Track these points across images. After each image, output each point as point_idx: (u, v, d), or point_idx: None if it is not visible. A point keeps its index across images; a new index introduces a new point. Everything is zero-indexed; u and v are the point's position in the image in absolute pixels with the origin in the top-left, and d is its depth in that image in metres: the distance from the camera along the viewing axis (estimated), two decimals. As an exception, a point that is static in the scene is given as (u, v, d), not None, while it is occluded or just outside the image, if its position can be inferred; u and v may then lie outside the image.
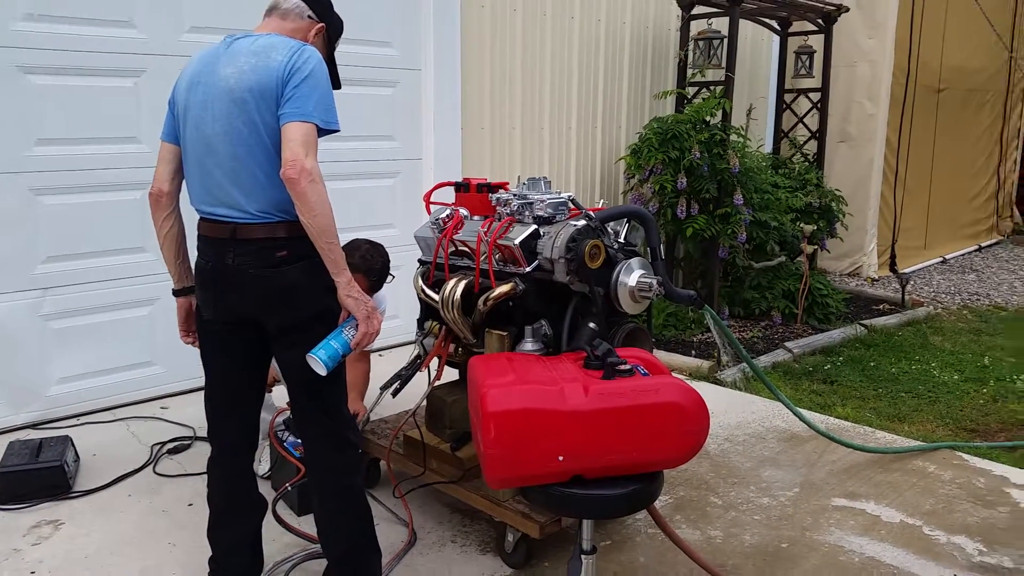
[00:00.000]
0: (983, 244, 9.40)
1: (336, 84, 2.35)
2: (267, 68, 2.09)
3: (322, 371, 2.12)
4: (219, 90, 2.14)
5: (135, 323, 4.01)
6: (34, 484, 3.07)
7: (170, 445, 3.57)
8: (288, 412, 2.92)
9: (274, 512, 2.59)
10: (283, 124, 2.07)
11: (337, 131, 2.16)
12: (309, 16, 2.29)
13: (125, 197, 3.91)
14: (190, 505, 3.07)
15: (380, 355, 3.62)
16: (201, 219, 2.26)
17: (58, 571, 2.65)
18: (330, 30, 2.36)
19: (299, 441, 2.97)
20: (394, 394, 2.99)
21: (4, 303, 3.65)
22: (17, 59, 3.54)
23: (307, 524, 2.88)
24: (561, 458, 2.05)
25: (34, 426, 3.75)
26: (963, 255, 8.92)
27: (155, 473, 3.34)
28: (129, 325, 4.00)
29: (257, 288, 2.17)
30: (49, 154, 3.67)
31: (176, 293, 2.44)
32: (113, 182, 3.86)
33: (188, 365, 4.12)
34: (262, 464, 3.22)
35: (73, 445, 3.35)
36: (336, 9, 2.40)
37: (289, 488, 2.81)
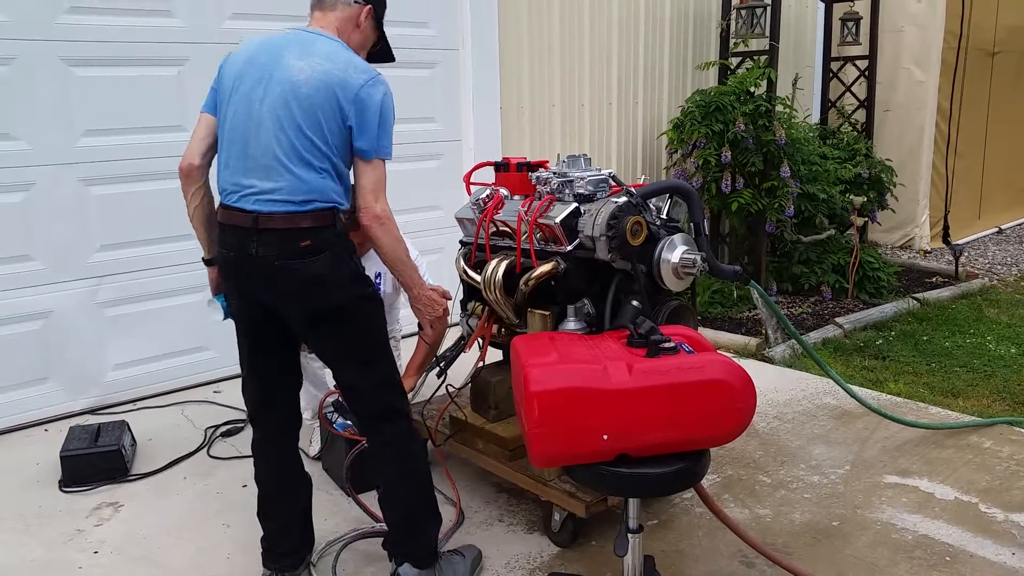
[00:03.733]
0: (1041, 213, 9.10)
1: (391, 57, 2.48)
2: (343, 83, 2.15)
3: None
4: (283, 75, 2.17)
5: (187, 309, 4.10)
6: (94, 468, 3.17)
7: (223, 428, 3.65)
8: (338, 394, 2.96)
9: (346, 486, 2.63)
10: (364, 160, 2.18)
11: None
12: (355, 1, 2.31)
13: (174, 185, 3.92)
14: (244, 487, 3.14)
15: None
16: (222, 207, 2.28)
17: (120, 551, 2.74)
18: (376, 9, 2.38)
19: (348, 423, 3.01)
20: (439, 375, 3.01)
21: (61, 292, 3.75)
22: (62, 52, 3.61)
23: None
24: (606, 437, 2.04)
25: (92, 411, 3.87)
26: (1020, 225, 8.64)
27: (209, 456, 3.42)
28: (182, 311, 4.08)
29: (282, 279, 2.19)
30: (97, 145, 3.75)
31: (207, 263, 2.53)
32: (161, 171, 3.92)
33: (238, 349, 4.20)
34: (313, 445, 3.27)
35: (130, 429, 3.45)
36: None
37: (365, 446, 2.82)
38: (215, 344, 4.19)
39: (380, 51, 2.48)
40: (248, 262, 2.21)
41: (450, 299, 2.65)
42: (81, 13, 3.63)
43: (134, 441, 3.45)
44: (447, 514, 2.86)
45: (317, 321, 2.25)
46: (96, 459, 3.17)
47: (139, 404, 3.96)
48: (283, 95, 2.16)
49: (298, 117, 2.15)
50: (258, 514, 2.51)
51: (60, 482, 3.17)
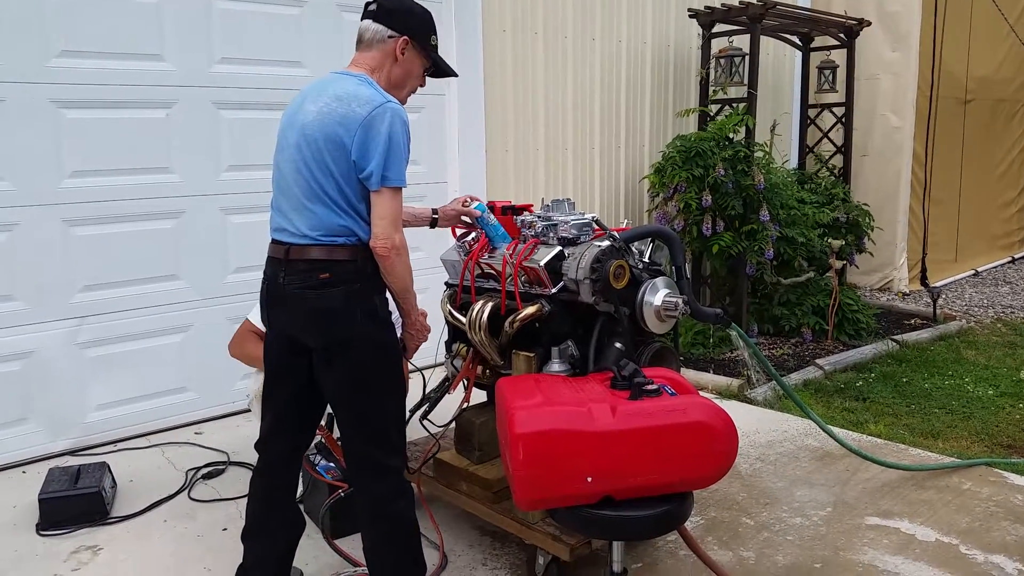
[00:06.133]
0: (1016, 256, 9.25)
1: (451, 72, 2.51)
2: (344, 118, 2.20)
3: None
4: (298, 123, 2.28)
5: (169, 350, 4.08)
6: (73, 510, 3.13)
7: (204, 470, 3.61)
8: (320, 436, 2.96)
9: (326, 538, 2.61)
10: (372, 191, 2.21)
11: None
12: (390, 36, 2.35)
13: (158, 226, 3.99)
14: (224, 530, 3.11)
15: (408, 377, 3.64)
16: (270, 241, 2.40)
17: (96, 596, 2.70)
18: (416, 37, 2.39)
19: (331, 464, 3.00)
20: (423, 417, 3.02)
21: (43, 332, 3.73)
22: (51, 94, 3.65)
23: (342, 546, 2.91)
24: (590, 479, 2.06)
25: (72, 453, 3.82)
26: (996, 267, 8.79)
27: (190, 498, 3.39)
28: (163, 352, 4.07)
29: (300, 307, 2.27)
30: (83, 186, 3.77)
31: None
32: (146, 212, 3.95)
33: (221, 391, 4.19)
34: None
35: (110, 471, 3.41)
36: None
37: (342, 493, 2.83)
38: (196, 386, 4.17)
39: (436, 71, 2.49)
40: (276, 290, 2.32)
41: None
42: (72, 56, 3.67)
43: (114, 483, 3.41)
44: (430, 558, 2.84)
45: (329, 356, 2.28)
46: (75, 502, 3.13)
47: (120, 445, 3.92)
48: (298, 141, 2.27)
49: (309, 159, 2.24)
50: (241, 536, 2.50)
51: (37, 525, 3.12)
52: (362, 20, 2.39)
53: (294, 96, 2.41)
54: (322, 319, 2.25)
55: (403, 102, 2.39)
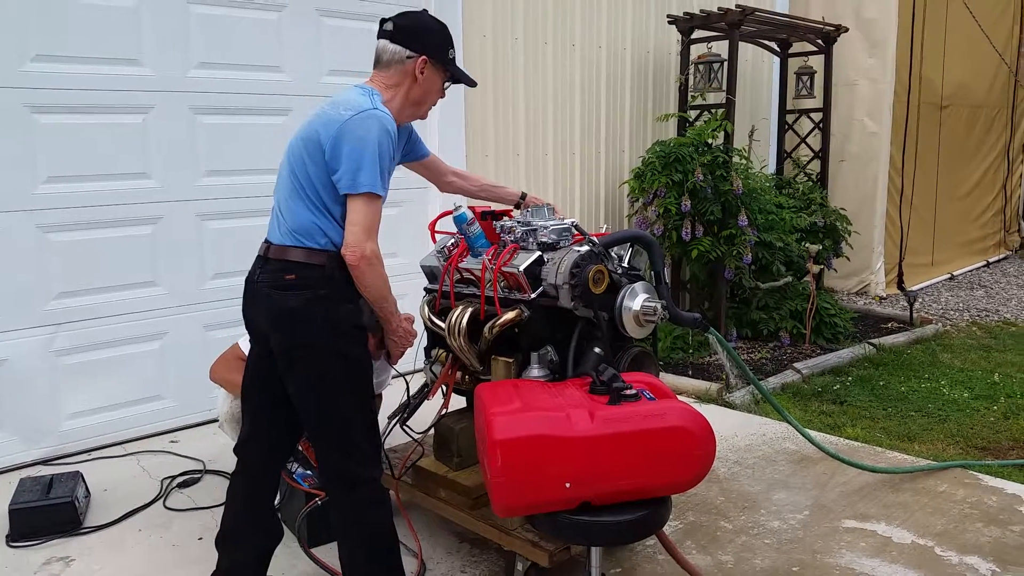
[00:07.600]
0: (991, 259, 9.37)
1: (470, 82, 2.52)
2: (327, 119, 2.22)
3: None
4: (298, 130, 2.34)
5: (145, 357, 4.04)
6: (45, 521, 3.08)
7: (180, 479, 3.57)
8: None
9: (303, 546, 2.60)
10: (345, 195, 2.19)
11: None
12: (408, 57, 2.35)
13: (135, 232, 3.95)
14: (200, 539, 3.07)
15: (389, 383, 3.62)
16: None
17: (69, 607, 2.66)
18: (435, 55, 2.38)
19: (308, 472, 2.98)
20: (402, 423, 3.00)
21: (17, 340, 3.68)
22: (25, 99, 3.60)
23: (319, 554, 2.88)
24: (568, 485, 2.05)
25: (45, 462, 3.77)
26: (971, 271, 8.89)
27: (165, 507, 3.35)
28: (139, 359, 4.02)
29: (265, 306, 2.29)
30: (58, 191, 3.72)
31: None
32: (123, 217, 3.91)
33: (197, 399, 4.14)
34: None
35: (84, 480, 3.37)
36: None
37: (318, 502, 2.81)
38: (172, 393, 4.12)
39: (456, 81, 2.50)
40: (251, 287, 2.35)
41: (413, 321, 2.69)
42: (47, 61, 3.62)
43: (88, 493, 3.36)
44: (408, 565, 2.83)
45: (289, 360, 2.26)
46: (47, 512, 3.08)
47: (94, 454, 3.87)
48: (290, 145, 2.32)
49: (293, 161, 2.27)
50: (216, 541, 2.48)
51: (7, 536, 3.07)
52: (379, 39, 2.39)
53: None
54: (282, 320, 2.25)
55: (424, 117, 2.49)
